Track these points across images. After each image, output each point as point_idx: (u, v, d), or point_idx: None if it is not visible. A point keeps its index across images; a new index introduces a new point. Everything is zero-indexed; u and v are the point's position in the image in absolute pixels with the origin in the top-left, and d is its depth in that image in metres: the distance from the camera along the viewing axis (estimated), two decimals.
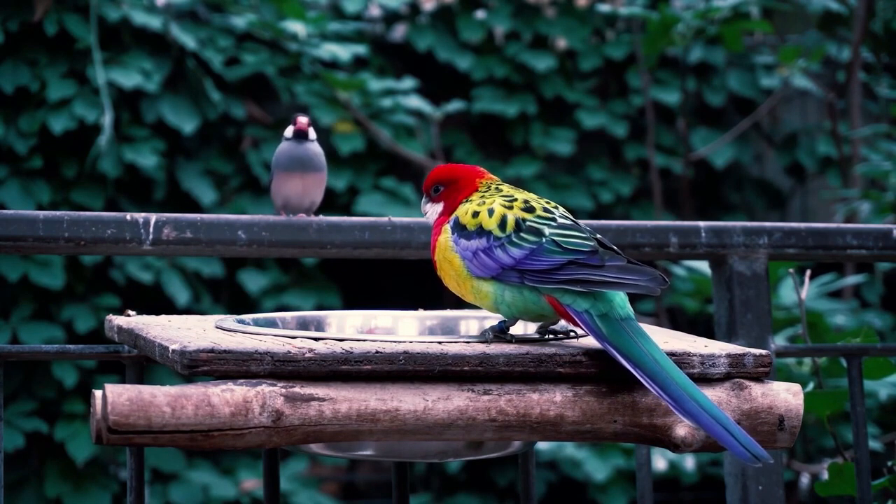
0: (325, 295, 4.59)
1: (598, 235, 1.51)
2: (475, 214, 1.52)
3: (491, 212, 1.51)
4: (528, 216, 1.50)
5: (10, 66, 4.33)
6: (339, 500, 4.72)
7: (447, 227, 1.54)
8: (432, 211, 1.59)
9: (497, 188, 1.56)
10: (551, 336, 1.52)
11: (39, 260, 4.20)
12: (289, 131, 2.07)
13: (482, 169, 1.60)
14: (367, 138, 4.74)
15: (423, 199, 1.62)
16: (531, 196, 1.54)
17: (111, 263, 4.35)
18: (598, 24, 5.15)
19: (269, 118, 4.76)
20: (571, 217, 1.53)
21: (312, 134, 2.07)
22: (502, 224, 1.50)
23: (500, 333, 1.49)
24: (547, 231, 1.49)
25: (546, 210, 1.52)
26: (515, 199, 1.53)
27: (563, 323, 1.53)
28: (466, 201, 1.54)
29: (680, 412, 1.38)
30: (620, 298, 1.46)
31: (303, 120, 2.05)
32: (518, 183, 5.00)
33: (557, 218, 1.51)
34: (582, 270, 1.45)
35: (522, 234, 1.49)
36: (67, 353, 1.84)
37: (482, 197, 1.54)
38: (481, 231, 1.50)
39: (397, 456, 1.55)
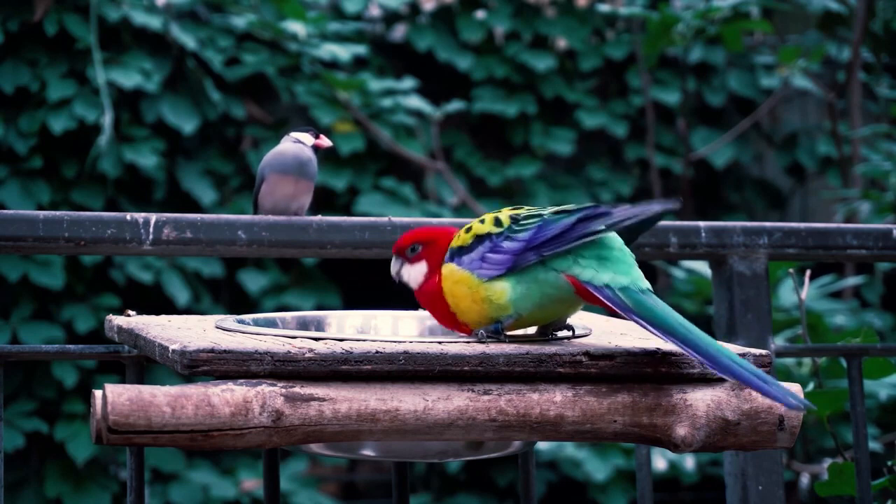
0: (325, 295, 4.59)
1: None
2: (468, 230, 1.50)
3: (482, 220, 1.51)
4: (519, 212, 1.51)
5: (10, 66, 4.33)
6: (339, 500, 4.72)
7: (445, 265, 1.51)
8: (413, 272, 1.54)
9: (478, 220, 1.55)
10: (551, 336, 1.52)
11: (39, 260, 4.20)
12: (306, 138, 2.08)
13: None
14: (367, 138, 4.74)
15: (396, 261, 1.55)
16: None
17: (111, 263, 4.35)
18: (598, 24, 5.15)
19: (269, 118, 4.76)
20: None
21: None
22: (497, 223, 1.49)
23: (493, 334, 1.48)
24: (545, 213, 1.49)
25: (533, 208, 1.53)
26: (500, 210, 1.53)
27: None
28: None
29: (721, 371, 1.38)
30: (637, 272, 1.46)
31: (327, 140, 2.08)
32: (518, 183, 5.00)
33: (549, 208, 1.51)
34: (593, 222, 1.44)
35: (522, 222, 1.48)
36: (67, 353, 1.84)
37: (465, 228, 1.53)
38: (479, 238, 1.49)
39: (397, 456, 1.55)
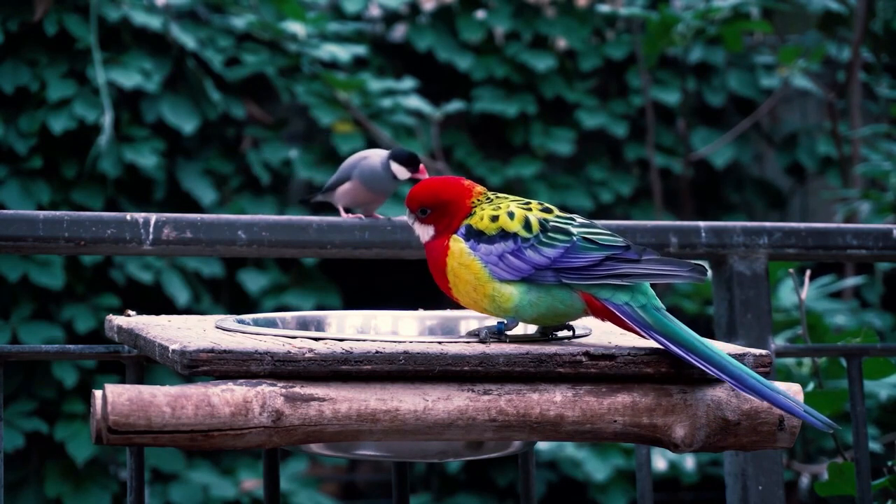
0: (325, 295, 4.59)
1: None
2: (494, 219, 1.49)
3: (511, 214, 1.49)
4: (549, 216, 1.50)
5: (10, 66, 4.33)
6: (339, 500, 4.72)
7: (457, 237, 1.50)
8: (421, 231, 1.55)
9: (496, 196, 1.54)
10: (552, 336, 1.52)
11: (39, 260, 4.20)
12: (401, 172, 2.02)
13: (465, 182, 1.56)
14: (367, 138, 4.74)
15: (409, 214, 1.56)
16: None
17: (111, 263, 4.35)
18: (598, 24, 5.15)
19: (269, 118, 4.76)
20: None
21: None
22: (527, 225, 1.48)
23: (495, 335, 1.48)
24: (573, 230, 1.48)
25: (562, 210, 1.52)
26: (529, 202, 1.52)
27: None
28: (470, 215, 1.51)
29: (744, 390, 1.40)
30: (651, 290, 1.47)
31: (425, 175, 2.05)
32: (518, 183, 5.00)
33: (576, 217, 1.51)
34: (621, 265, 1.45)
35: (550, 234, 1.48)
36: (67, 353, 1.84)
37: (491, 204, 1.52)
38: (505, 234, 1.48)
39: (397, 456, 1.55)
